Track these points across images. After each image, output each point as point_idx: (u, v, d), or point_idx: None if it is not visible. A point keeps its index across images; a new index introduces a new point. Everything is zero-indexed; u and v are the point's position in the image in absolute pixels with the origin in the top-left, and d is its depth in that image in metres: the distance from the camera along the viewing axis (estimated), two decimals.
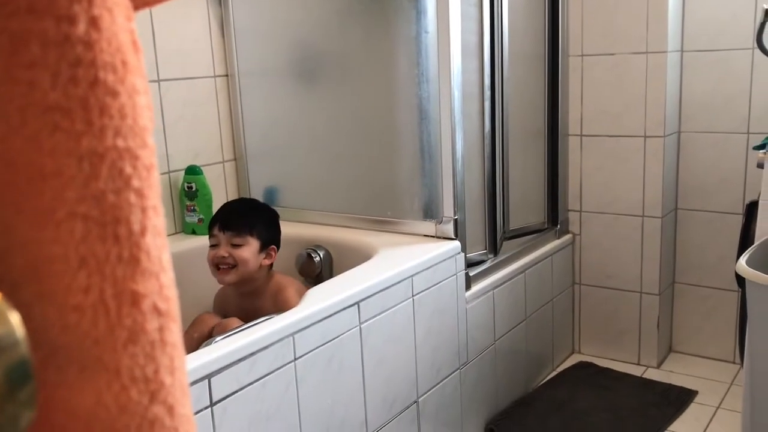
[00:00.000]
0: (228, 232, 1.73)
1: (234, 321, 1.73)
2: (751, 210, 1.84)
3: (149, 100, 0.29)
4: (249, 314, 1.79)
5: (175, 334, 0.29)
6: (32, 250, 0.27)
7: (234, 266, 1.73)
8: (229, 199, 2.16)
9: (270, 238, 1.78)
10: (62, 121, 0.27)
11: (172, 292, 0.29)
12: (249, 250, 1.73)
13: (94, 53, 0.27)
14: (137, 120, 0.28)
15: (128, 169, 0.28)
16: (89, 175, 0.27)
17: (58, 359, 0.27)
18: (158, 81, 1.99)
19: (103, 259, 0.27)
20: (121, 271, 0.27)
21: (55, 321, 0.27)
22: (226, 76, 2.18)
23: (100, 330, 0.27)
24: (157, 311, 0.28)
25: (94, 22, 0.27)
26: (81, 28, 0.27)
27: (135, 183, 0.28)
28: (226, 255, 1.72)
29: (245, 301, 1.81)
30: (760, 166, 1.77)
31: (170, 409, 0.28)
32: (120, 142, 0.27)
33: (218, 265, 1.74)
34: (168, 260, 0.29)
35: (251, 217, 1.77)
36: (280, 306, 1.73)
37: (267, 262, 1.77)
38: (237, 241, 1.73)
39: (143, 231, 0.28)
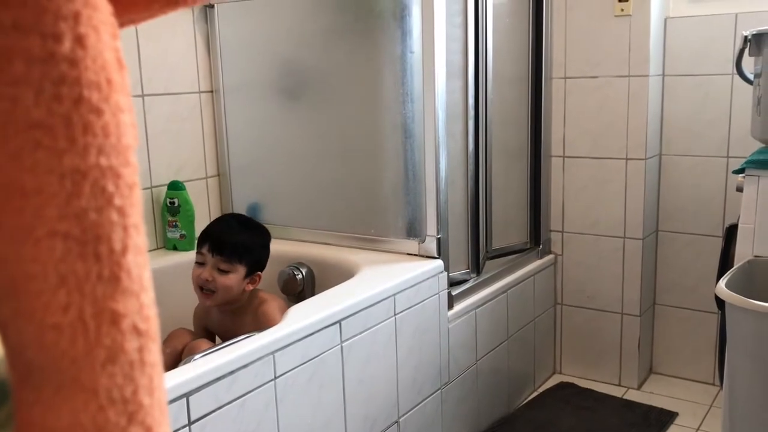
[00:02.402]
0: (217, 256, 1.69)
1: (203, 343, 1.70)
2: (731, 233, 1.86)
3: (133, 118, 0.29)
4: (228, 329, 1.78)
5: (155, 354, 0.29)
6: (11, 267, 0.27)
7: (215, 291, 1.70)
8: (213, 216, 2.14)
9: (258, 263, 1.74)
10: (45, 138, 0.27)
11: (152, 312, 0.29)
12: (234, 278, 1.69)
13: (78, 71, 0.27)
14: (121, 138, 0.28)
15: (111, 188, 0.27)
16: (71, 193, 0.27)
17: (34, 378, 0.27)
18: (142, 96, 1.98)
19: (83, 277, 0.27)
20: (101, 290, 0.27)
21: (33, 340, 0.26)
22: (211, 91, 2.18)
23: (79, 349, 0.27)
24: (137, 331, 0.28)
25: (79, 40, 0.27)
26: (66, 45, 0.27)
27: (117, 201, 0.28)
28: (210, 279, 1.69)
29: (225, 317, 1.79)
30: (740, 189, 1.80)
31: (148, 430, 0.28)
32: (103, 161, 0.27)
33: (201, 287, 1.71)
34: (149, 279, 0.29)
35: (244, 244, 1.71)
36: (260, 320, 1.71)
37: (250, 287, 1.74)
38: (224, 267, 1.68)
39: (124, 250, 0.28)
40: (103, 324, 0.27)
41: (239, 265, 1.69)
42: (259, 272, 1.75)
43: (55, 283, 0.26)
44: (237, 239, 1.71)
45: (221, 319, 1.80)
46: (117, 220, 0.28)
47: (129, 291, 0.28)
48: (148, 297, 0.29)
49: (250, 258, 1.71)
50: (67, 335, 0.26)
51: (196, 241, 1.76)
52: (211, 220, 1.93)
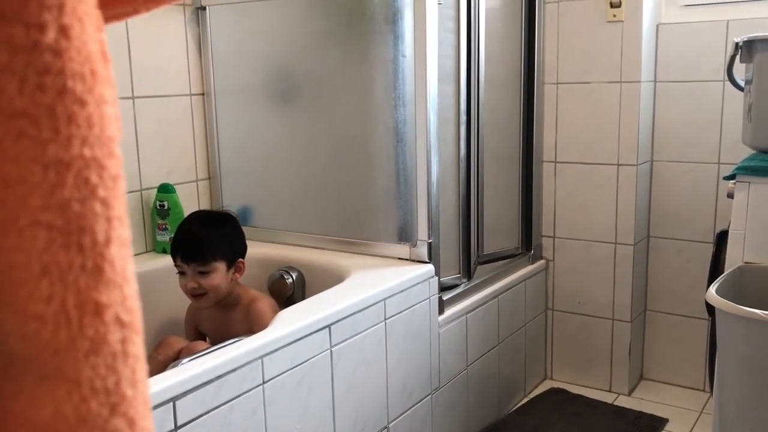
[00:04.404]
0: (192, 264, 1.70)
1: (200, 344, 1.71)
2: (722, 239, 1.86)
3: (117, 110, 0.29)
4: (219, 329, 1.78)
5: (138, 346, 0.29)
6: None
7: (206, 293, 1.71)
8: None
9: (235, 252, 1.75)
10: (28, 128, 0.26)
11: (135, 304, 0.29)
12: (218, 276, 1.71)
13: (63, 61, 0.27)
14: (105, 130, 0.28)
15: (94, 179, 0.27)
16: (54, 183, 0.26)
17: (16, 369, 0.26)
18: (133, 98, 1.97)
19: (66, 268, 0.26)
20: (84, 280, 0.27)
21: (15, 330, 0.26)
22: (202, 94, 2.18)
23: (61, 340, 0.26)
24: (120, 322, 0.28)
25: (63, 31, 0.27)
26: (50, 35, 0.27)
27: (101, 192, 0.27)
28: (196, 286, 1.70)
29: (216, 316, 1.79)
30: (730, 196, 1.80)
31: (131, 422, 0.28)
32: (87, 152, 0.27)
33: (191, 294, 1.72)
34: (132, 272, 0.29)
35: (212, 241, 1.71)
36: (252, 318, 1.71)
37: (238, 276, 1.76)
38: (203, 269, 1.69)
39: (108, 241, 0.27)
40: (86, 315, 0.27)
41: (216, 262, 1.70)
42: (241, 259, 1.76)
43: (38, 273, 0.26)
44: (203, 241, 1.71)
45: (212, 319, 1.80)
46: (101, 211, 0.27)
47: (112, 282, 0.27)
48: (132, 289, 0.28)
49: (224, 250, 1.72)
50: (49, 325, 0.26)
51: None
52: None
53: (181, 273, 1.72)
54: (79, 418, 0.26)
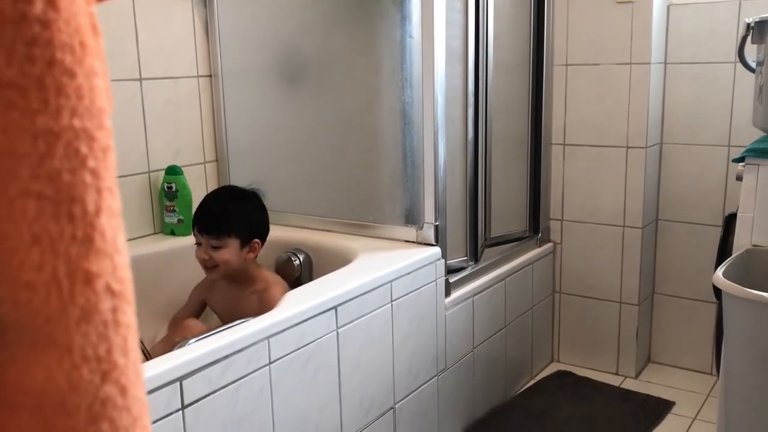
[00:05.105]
0: (206, 235, 1.72)
1: (193, 323, 1.73)
2: (730, 222, 1.85)
3: (108, 83, 0.29)
4: (232, 303, 1.79)
5: (129, 315, 0.29)
6: None
7: (217, 265, 1.74)
8: None
9: (252, 232, 1.76)
10: (17, 98, 0.26)
11: (126, 274, 0.29)
12: (229, 252, 1.73)
13: (51, 33, 0.27)
14: (94, 101, 0.28)
15: (84, 149, 0.27)
16: (44, 153, 0.26)
17: (8, 337, 0.27)
18: (140, 80, 1.98)
19: (57, 237, 0.27)
20: (74, 250, 0.27)
21: (7, 297, 0.26)
22: (210, 76, 2.18)
23: (52, 308, 0.27)
24: (111, 291, 0.28)
25: (51, 2, 0.27)
26: (38, 7, 0.27)
27: (91, 163, 0.28)
28: (207, 258, 1.73)
29: (229, 296, 1.80)
30: (739, 178, 1.79)
31: (123, 390, 0.28)
32: (76, 122, 0.27)
33: (202, 265, 1.75)
34: (123, 242, 0.29)
35: (229, 217, 1.73)
36: (265, 304, 1.72)
37: (252, 255, 1.77)
38: (216, 243, 1.72)
39: (98, 211, 0.28)
40: (77, 283, 0.27)
41: (229, 238, 1.72)
42: (257, 240, 1.76)
43: (29, 242, 0.26)
44: (221, 215, 1.73)
45: (223, 295, 1.81)
46: (91, 181, 0.28)
47: (103, 252, 0.28)
48: (123, 259, 0.29)
49: (240, 228, 1.73)
50: (40, 293, 0.26)
51: None
52: None
53: (198, 243, 1.75)
54: (71, 384, 0.27)
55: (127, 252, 0.29)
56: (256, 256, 1.79)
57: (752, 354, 1.51)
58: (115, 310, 0.28)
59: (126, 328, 0.28)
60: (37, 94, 0.26)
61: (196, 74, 2.13)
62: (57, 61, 0.27)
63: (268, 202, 1.88)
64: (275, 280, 1.81)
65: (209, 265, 1.74)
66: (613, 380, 2.46)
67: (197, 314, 1.88)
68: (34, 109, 0.26)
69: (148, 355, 1.65)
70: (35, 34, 0.26)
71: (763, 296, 1.42)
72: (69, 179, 0.27)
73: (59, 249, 0.27)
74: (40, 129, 0.26)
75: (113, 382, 0.28)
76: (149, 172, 2.03)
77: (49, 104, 0.27)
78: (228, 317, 1.72)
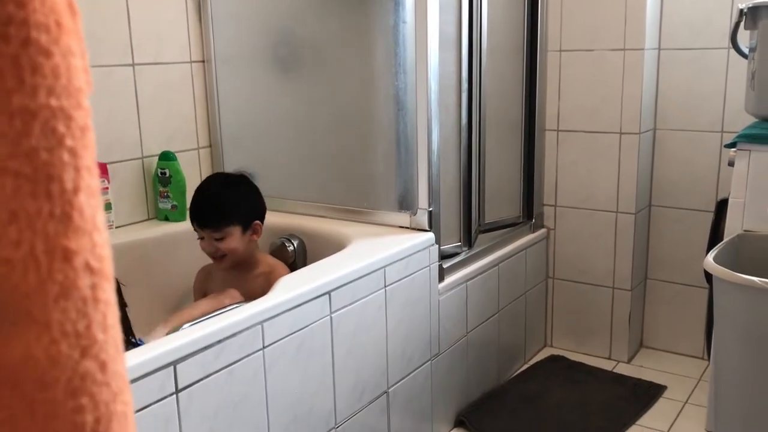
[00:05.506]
0: (207, 229, 1.73)
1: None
2: (721, 208, 1.86)
3: (86, 63, 0.29)
4: (235, 287, 1.79)
5: (109, 292, 0.29)
6: None
7: (225, 255, 1.74)
8: None
9: (251, 215, 1.77)
10: None
11: (106, 252, 0.29)
12: (233, 240, 1.73)
13: (26, 12, 0.27)
14: (71, 81, 0.28)
15: (61, 128, 0.28)
16: (20, 131, 0.27)
17: None
18: (133, 65, 1.97)
19: (35, 214, 0.27)
20: (52, 227, 0.27)
21: None
22: (203, 61, 2.17)
23: (31, 284, 0.27)
24: (90, 269, 0.28)
25: None
26: None
27: (68, 142, 0.28)
28: (213, 250, 1.74)
29: (230, 275, 1.80)
30: (731, 164, 1.80)
31: (102, 365, 0.29)
32: (53, 101, 0.27)
33: (211, 256, 1.77)
34: (102, 221, 0.29)
35: (225, 207, 1.74)
36: (272, 284, 1.71)
37: (255, 237, 1.78)
38: (218, 235, 1.73)
39: (76, 189, 0.28)
40: (55, 260, 0.27)
41: (230, 227, 1.73)
42: (257, 221, 1.77)
43: (6, 219, 0.27)
44: (216, 207, 1.74)
45: (223, 282, 1.81)
46: (68, 160, 0.28)
47: (81, 230, 0.28)
48: (102, 237, 0.29)
49: (238, 215, 1.74)
50: (18, 270, 0.27)
51: (188, 213, 1.79)
52: None
53: (200, 238, 1.76)
54: (50, 359, 0.27)
55: (107, 230, 0.29)
56: (260, 236, 1.79)
57: (742, 337, 1.53)
58: (94, 287, 0.28)
59: (105, 305, 0.29)
60: (12, 72, 0.27)
61: (189, 59, 2.13)
62: (32, 40, 0.27)
63: (262, 188, 1.88)
64: (277, 263, 1.83)
65: (217, 256, 1.75)
66: (606, 365, 2.47)
67: None
68: (10, 88, 0.27)
69: (131, 336, 1.64)
70: (10, 13, 0.27)
71: (753, 280, 1.43)
72: (46, 158, 0.27)
73: (37, 226, 0.27)
74: (16, 108, 0.27)
75: (93, 358, 0.28)
76: (142, 157, 2.03)
77: (25, 83, 0.27)
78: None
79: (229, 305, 1.61)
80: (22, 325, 0.27)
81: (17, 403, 0.27)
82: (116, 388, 0.29)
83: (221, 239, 1.72)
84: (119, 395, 0.29)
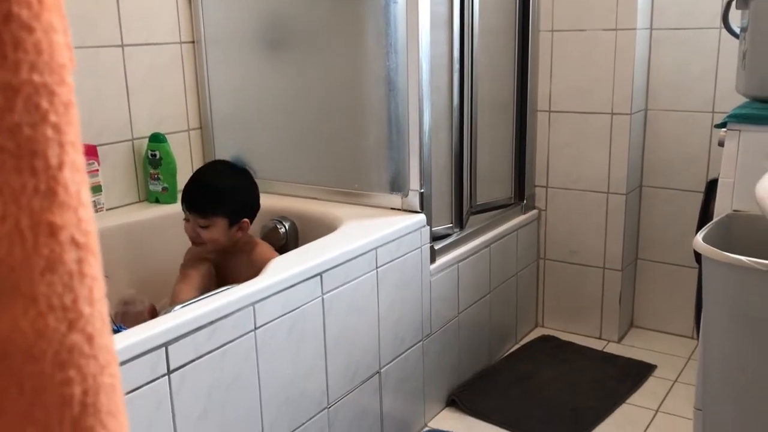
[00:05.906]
0: (193, 213, 1.71)
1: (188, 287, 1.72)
2: (711, 188, 1.87)
3: (68, 39, 0.29)
4: (223, 267, 1.79)
5: (95, 267, 0.29)
6: None
7: (204, 243, 1.73)
8: (194, 169, 2.13)
9: (241, 212, 1.74)
10: None
11: (91, 227, 0.29)
12: (216, 231, 1.71)
13: None
14: (54, 56, 0.28)
15: (45, 104, 0.28)
16: (3, 107, 0.27)
17: None
18: (122, 46, 1.96)
19: (19, 189, 0.27)
20: (37, 202, 0.27)
21: None
22: (192, 42, 2.16)
23: (16, 258, 0.27)
24: (76, 243, 0.28)
25: None
26: None
27: (52, 118, 0.28)
28: (195, 235, 1.72)
29: (219, 259, 1.79)
30: (721, 144, 1.80)
31: (89, 338, 0.29)
32: (36, 77, 0.27)
33: (191, 241, 1.75)
34: (87, 196, 0.29)
35: (218, 197, 1.72)
36: (257, 264, 1.71)
37: (240, 234, 1.76)
38: (203, 222, 1.71)
39: (61, 165, 0.28)
40: (41, 235, 0.27)
41: (216, 218, 1.71)
42: (246, 219, 1.75)
43: None
44: (210, 194, 1.72)
45: (215, 259, 1.80)
46: (52, 136, 0.28)
47: (66, 205, 0.28)
48: (87, 212, 0.29)
49: (227, 208, 1.72)
50: (4, 245, 0.27)
51: (179, 195, 1.78)
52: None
53: (186, 219, 1.74)
54: (37, 332, 0.27)
55: (91, 205, 0.30)
56: (245, 234, 1.78)
57: (731, 317, 1.54)
58: (80, 262, 0.29)
59: (91, 279, 0.29)
60: None
61: (178, 40, 2.11)
62: (13, 15, 0.27)
63: (253, 170, 1.87)
64: (267, 247, 1.82)
65: (197, 242, 1.74)
66: (597, 344, 2.49)
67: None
68: None
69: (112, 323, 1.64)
70: None
71: (741, 260, 1.44)
72: (30, 133, 0.27)
73: (22, 201, 0.27)
74: None
75: (79, 331, 0.28)
76: (132, 139, 2.02)
77: (7, 58, 0.27)
78: (219, 285, 1.72)
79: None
80: (9, 298, 0.27)
81: (5, 377, 0.28)
82: (103, 360, 0.30)
83: (205, 227, 1.70)
84: (106, 368, 0.30)
